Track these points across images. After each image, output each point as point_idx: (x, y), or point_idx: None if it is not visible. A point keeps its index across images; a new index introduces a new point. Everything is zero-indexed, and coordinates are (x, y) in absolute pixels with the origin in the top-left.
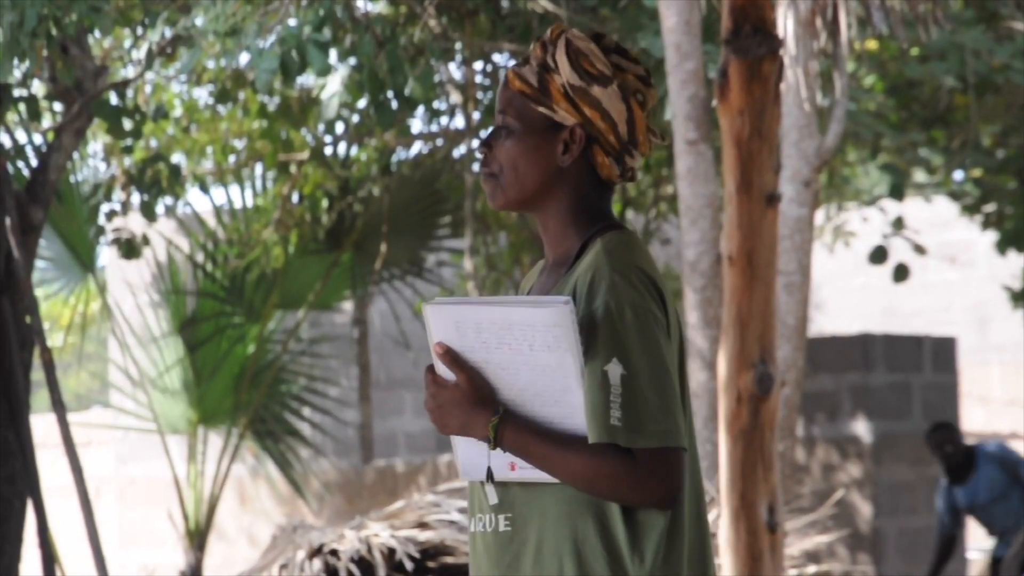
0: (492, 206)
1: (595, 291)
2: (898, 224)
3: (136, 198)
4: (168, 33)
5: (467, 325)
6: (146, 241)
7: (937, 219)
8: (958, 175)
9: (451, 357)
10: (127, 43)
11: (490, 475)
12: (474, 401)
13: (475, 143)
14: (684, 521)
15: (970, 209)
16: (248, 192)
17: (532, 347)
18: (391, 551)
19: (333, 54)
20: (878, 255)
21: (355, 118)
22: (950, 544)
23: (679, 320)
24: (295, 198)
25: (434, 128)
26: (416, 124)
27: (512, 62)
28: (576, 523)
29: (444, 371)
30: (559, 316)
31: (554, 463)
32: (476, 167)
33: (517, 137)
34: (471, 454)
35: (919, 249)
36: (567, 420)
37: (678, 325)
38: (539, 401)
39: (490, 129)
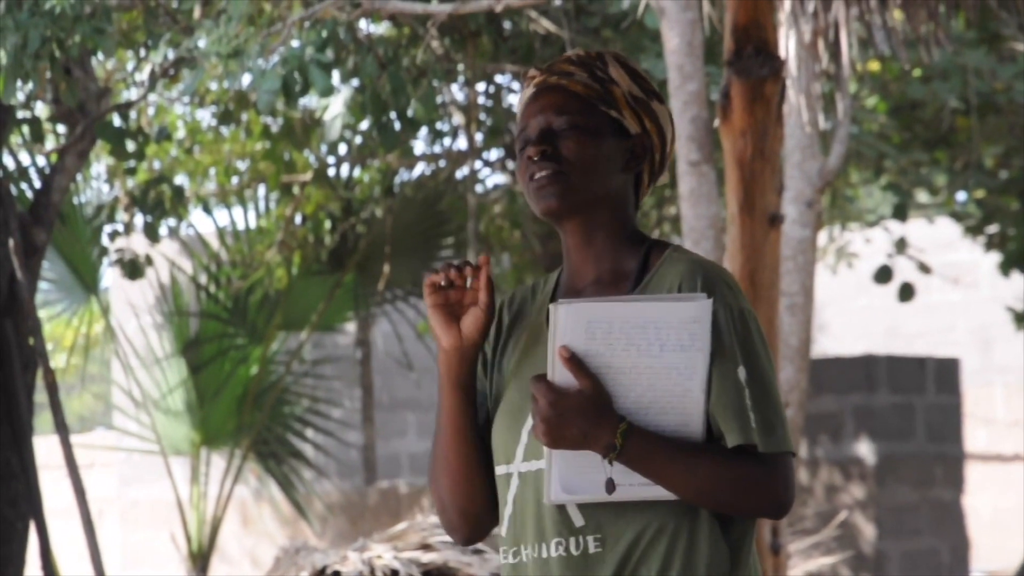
0: (549, 208)
1: (711, 296)
2: (900, 245)
3: (139, 219)
4: (171, 55)
5: (598, 325)
6: (149, 262)
7: (940, 240)
8: (961, 196)
9: (575, 362)
10: (130, 65)
11: (611, 486)
12: (600, 409)
13: (478, 164)
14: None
15: (973, 230)
16: (251, 213)
17: (663, 347)
18: (394, 573)
19: (336, 75)
20: (883, 275)
21: (358, 139)
22: None
23: None
24: (298, 219)
25: (437, 149)
26: (419, 145)
27: (515, 83)
28: (676, 539)
29: (561, 377)
30: (700, 311)
31: (678, 471)
32: (479, 188)
33: (591, 135)
34: (573, 471)
35: (924, 268)
36: (682, 429)
37: None
38: (654, 409)
39: (538, 130)
